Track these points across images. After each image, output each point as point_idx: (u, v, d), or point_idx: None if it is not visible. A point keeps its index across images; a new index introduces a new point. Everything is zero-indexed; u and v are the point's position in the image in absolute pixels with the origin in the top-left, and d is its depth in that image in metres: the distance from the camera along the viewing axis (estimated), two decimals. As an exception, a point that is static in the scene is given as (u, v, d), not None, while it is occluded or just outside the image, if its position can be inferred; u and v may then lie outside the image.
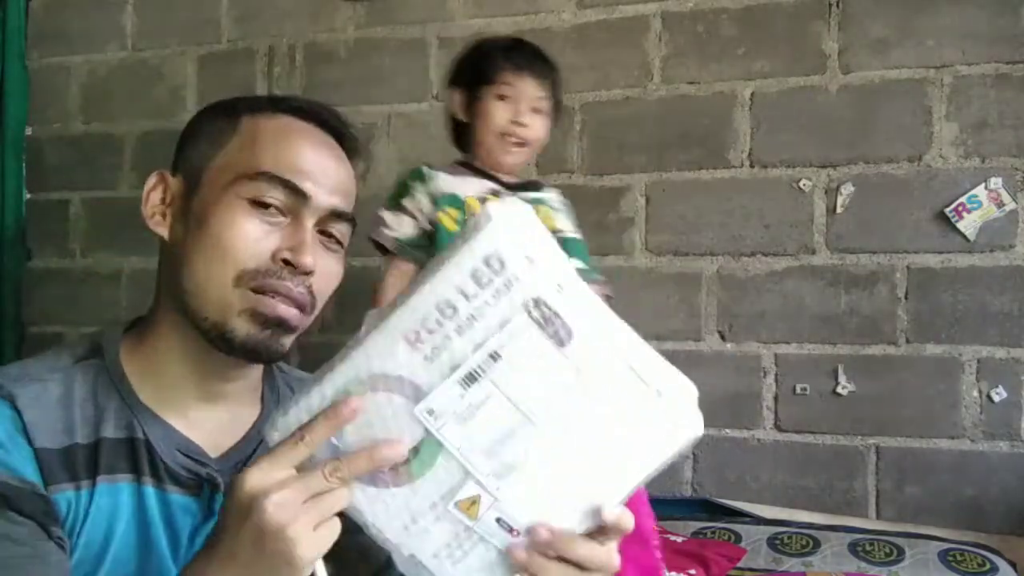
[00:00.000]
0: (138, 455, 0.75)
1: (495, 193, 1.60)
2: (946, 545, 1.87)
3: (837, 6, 2.17)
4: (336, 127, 0.83)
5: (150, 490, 0.75)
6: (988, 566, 1.81)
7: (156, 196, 0.81)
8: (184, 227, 0.77)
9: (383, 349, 0.57)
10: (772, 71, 2.21)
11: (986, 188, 2.05)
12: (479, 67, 1.62)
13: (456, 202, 1.58)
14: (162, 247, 0.81)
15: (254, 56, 2.61)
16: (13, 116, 2.77)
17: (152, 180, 0.81)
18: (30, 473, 0.69)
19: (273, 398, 0.86)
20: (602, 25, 2.31)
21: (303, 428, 0.58)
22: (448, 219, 1.57)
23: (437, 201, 1.58)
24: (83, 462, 0.72)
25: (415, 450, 0.58)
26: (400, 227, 1.60)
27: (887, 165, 2.13)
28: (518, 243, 0.55)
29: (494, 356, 0.56)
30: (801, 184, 2.18)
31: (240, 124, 0.79)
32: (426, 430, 0.58)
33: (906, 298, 2.11)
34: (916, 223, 2.10)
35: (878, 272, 2.13)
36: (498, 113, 1.58)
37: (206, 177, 0.78)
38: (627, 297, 2.11)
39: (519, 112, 1.57)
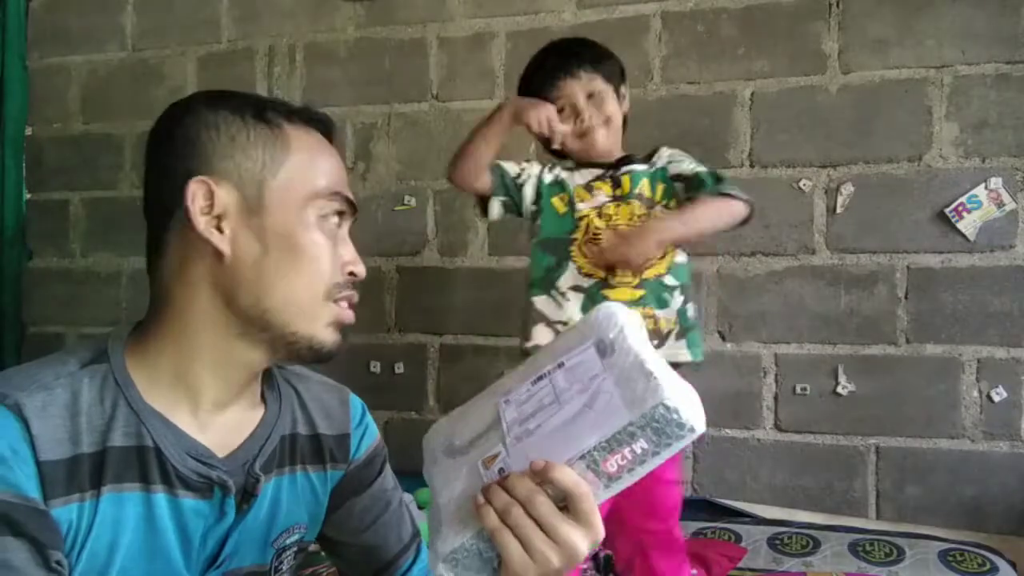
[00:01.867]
0: (147, 463, 0.74)
1: (599, 178, 1.67)
2: (946, 545, 1.87)
3: (837, 6, 2.17)
4: (332, 134, 0.86)
5: (161, 497, 0.74)
6: (988, 566, 1.81)
7: (201, 204, 0.76)
8: (261, 246, 0.77)
9: (514, 382, 0.79)
10: (772, 71, 2.21)
11: (986, 188, 2.05)
12: (530, 93, 1.69)
13: (566, 188, 1.68)
14: (204, 258, 0.77)
15: (254, 56, 2.62)
16: (13, 116, 2.77)
17: (196, 186, 0.76)
18: (32, 489, 0.68)
19: (273, 395, 0.86)
20: (602, 25, 2.31)
21: None
22: (560, 203, 1.68)
23: (547, 181, 1.69)
24: (88, 472, 0.71)
25: (495, 421, 0.75)
26: (508, 164, 1.71)
27: (887, 165, 2.13)
28: (617, 324, 0.76)
29: (560, 365, 0.75)
30: (801, 184, 2.18)
31: (288, 137, 0.80)
32: (496, 413, 0.75)
33: (906, 298, 2.11)
34: (916, 223, 2.11)
35: (878, 272, 2.13)
36: (564, 124, 1.65)
37: (273, 194, 0.78)
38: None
39: (578, 113, 1.64)
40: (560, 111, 1.64)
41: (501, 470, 0.71)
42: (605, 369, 0.72)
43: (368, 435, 0.94)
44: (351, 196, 0.83)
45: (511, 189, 1.70)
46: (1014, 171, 2.05)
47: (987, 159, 2.07)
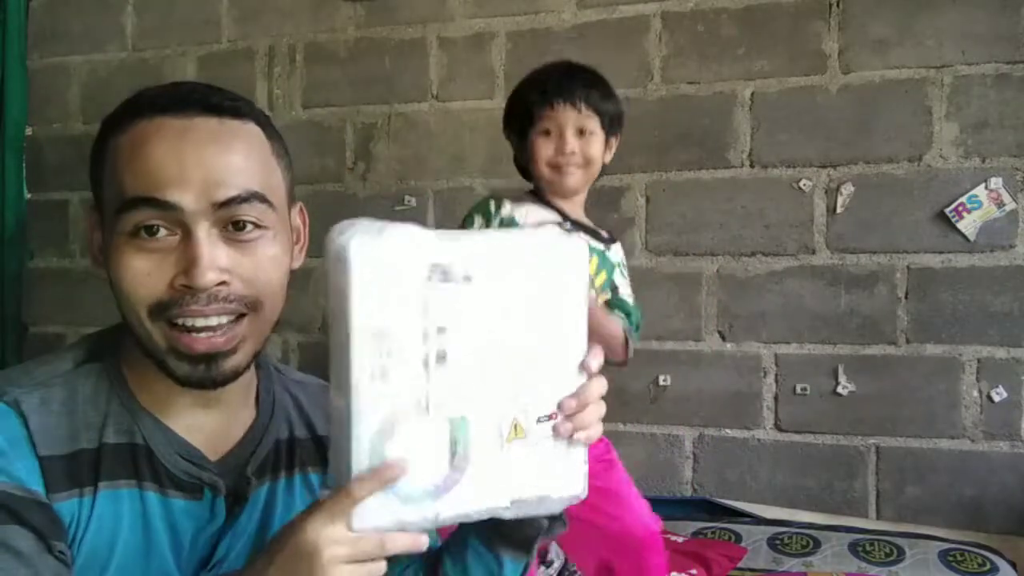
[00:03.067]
0: (139, 460, 0.74)
1: (559, 224, 1.61)
2: (946, 545, 1.87)
3: (837, 6, 2.17)
4: (201, 102, 0.73)
5: (152, 495, 0.74)
6: (988, 566, 1.81)
7: (91, 234, 0.77)
8: (106, 270, 0.74)
9: (366, 405, 0.63)
10: (772, 71, 2.21)
11: (986, 188, 2.05)
12: (520, 111, 1.64)
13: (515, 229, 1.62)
14: None
15: (254, 56, 2.62)
16: (13, 116, 2.77)
17: (89, 220, 0.77)
18: (33, 482, 0.68)
19: (268, 399, 0.85)
20: (602, 25, 2.31)
21: (354, 483, 0.62)
22: None
23: (503, 219, 1.61)
24: (87, 468, 0.72)
25: (453, 440, 0.66)
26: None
27: (887, 165, 2.13)
28: (388, 243, 0.63)
29: (440, 330, 0.64)
30: (801, 184, 2.18)
31: (108, 149, 0.74)
32: (448, 420, 0.66)
33: (906, 298, 2.11)
34: (916, 223, 2.10)
35: (878, 272, 2.13)
36: (544, 149, 1.60)
37: (105, 215, 0.74)
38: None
39: (563, 141, 1.58)
40: (545, 133, 1.59)
41: (539, 419, 0.69)
42: (489, 277, 0.66)
43: None
44: (164, 196, 0.69)
45: None
46: (1014, 171, 2.05)
47: (987, 159, 2.07)
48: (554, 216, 1.62)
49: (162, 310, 0.70)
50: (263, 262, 0.73)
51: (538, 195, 1.66)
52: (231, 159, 0.72)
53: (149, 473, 0.74)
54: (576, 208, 1.66)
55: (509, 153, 1.72)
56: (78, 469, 0.71)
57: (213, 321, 0.71)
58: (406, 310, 0.63)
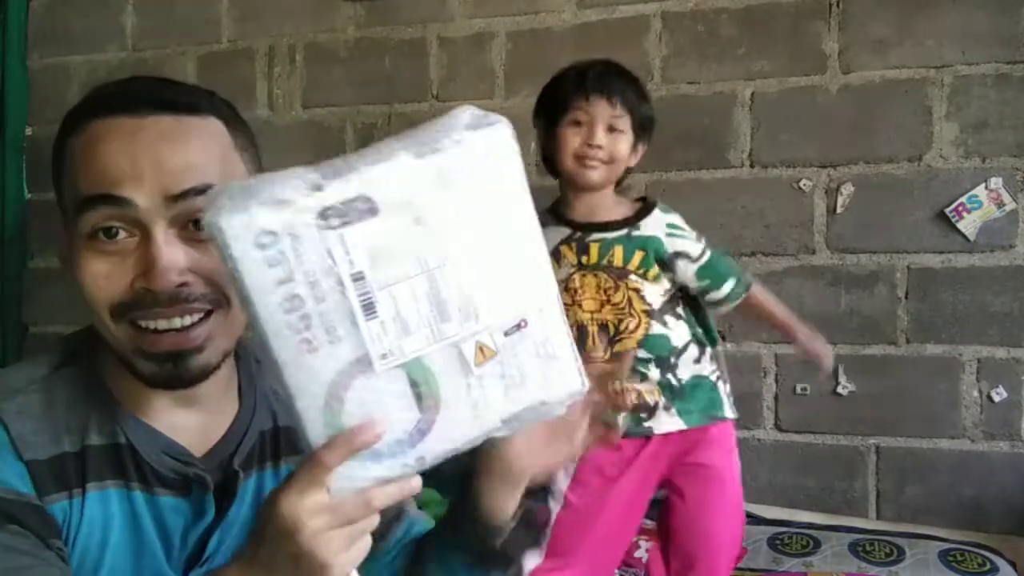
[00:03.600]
0: (123, 461, 0.74)
1: (565, 241, 1.60)
2: (946, 545, 1.87)
3: (837, 6, 2.17)
4: (155, 100, 0.73)
5: (139, 495, 0.74)
6: (988, 566, 1.81)
7: (62, 238, 0.77)
8: (70, 271, 0.74)
9: (303, 376, 0.58)
10: (772, 71, 2.21)
11: (986, 188, 2.05)
12: (554, 99, 1.63)
13: None
14: None
15: (254, 56, 2.61)
16: (13, 116, 2.77)
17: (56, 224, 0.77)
18: (23, 486, 0.68)
19: (250, 390, 0.84)
20: (602, 25, 2.31)
21: (323, 450, 0.58)
22: None
23: None
24: (72, 471, 0.72)
25: (413, 383, 0.59)
26: None
27: (887, 165, 2.13)
28: (259, 207, 0.55)
29: (357, 277, 0.56)
30: (801, 184, 2.18)
31: (65, 150, 0.73)
32: (400, 366, 0.59)
33: (906, 298, 2.11)
34: (916, 223, 2.10)
35: (878, 272, 2.13)
36: (572, 138, 1.58)
37: (66, 216, 0.74)
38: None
39: (592, 134, 1.57)
40: (575, 124, 1.58)
41: (507, 332, 0.62)
42: (408, 202, 0.57)
43: None
44: (117, 192, 0.68)
45: None
46: (1014, 171, 2.05)
47: (987, 159, 2.07)
48: (566, 232, 1.60)
49: (124, 311, 0.70)
50: (218, 265, 0.73)
51: (553, 210, 1.64)
52: (186, 155, 0.70)
53: (135, 472, 0.74)
54: (596, 211, 1.63)
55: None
56: (64, 472, 0.71)
57: (176, 323, 0.70)
58: (309, 269, 0.55)
